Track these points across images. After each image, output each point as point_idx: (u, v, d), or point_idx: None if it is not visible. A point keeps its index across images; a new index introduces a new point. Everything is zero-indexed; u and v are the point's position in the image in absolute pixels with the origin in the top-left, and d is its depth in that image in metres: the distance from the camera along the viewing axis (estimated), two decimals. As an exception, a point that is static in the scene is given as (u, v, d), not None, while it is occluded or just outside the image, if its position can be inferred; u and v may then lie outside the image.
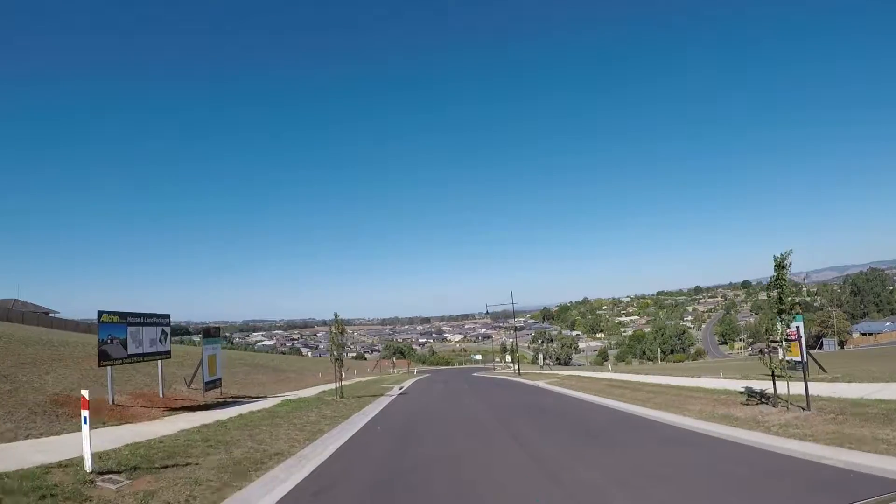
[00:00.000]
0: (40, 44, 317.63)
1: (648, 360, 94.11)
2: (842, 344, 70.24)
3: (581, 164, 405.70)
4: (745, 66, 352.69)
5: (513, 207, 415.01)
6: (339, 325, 19.92)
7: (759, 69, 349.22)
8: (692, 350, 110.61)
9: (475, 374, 49.83)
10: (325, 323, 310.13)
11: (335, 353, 20.05)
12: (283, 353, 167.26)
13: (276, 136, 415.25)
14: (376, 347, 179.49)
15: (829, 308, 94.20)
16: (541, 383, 27.23)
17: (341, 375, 20.26)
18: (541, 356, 39.45)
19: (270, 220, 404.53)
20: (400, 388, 27.42)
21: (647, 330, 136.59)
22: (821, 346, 65.56)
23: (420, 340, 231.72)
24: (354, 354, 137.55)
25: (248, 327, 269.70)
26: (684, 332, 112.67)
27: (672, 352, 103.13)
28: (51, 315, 53.27)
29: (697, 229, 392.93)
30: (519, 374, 40.43)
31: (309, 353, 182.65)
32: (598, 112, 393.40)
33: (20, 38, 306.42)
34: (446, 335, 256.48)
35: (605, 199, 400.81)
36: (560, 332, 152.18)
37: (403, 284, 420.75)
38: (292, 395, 20.53)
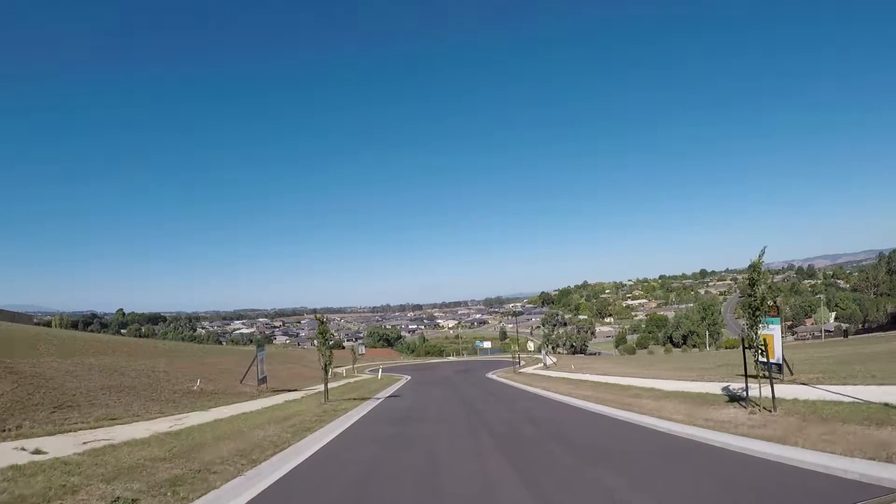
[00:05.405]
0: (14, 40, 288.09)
1: (693, 346, 77.30)
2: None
3: (577, 148, 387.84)
4: (745, 55, 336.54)
5: (506, 193, 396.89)
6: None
7: (758, 59, 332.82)
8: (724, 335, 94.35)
9: (528, 408, 27.31)
10: (314, 311, 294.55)
11: None
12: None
13: (268, 130, 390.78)
14: (362, 335, 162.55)
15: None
16: None
17: None
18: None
19: (262, 212, 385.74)
20: None
21: (668, 315, 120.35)
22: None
23: (410, 327, 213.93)
24: (332, 342, 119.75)
25: (233, 316, 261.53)
26: (720, 312, 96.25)
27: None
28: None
29: (696, 214, 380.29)
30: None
31: (287, 341, 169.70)
32: (592, 97, 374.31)
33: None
34: (439, 321, 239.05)
35: (601, 184, 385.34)
36: (575, 316, 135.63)
37: (395, 273, 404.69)
38: None
